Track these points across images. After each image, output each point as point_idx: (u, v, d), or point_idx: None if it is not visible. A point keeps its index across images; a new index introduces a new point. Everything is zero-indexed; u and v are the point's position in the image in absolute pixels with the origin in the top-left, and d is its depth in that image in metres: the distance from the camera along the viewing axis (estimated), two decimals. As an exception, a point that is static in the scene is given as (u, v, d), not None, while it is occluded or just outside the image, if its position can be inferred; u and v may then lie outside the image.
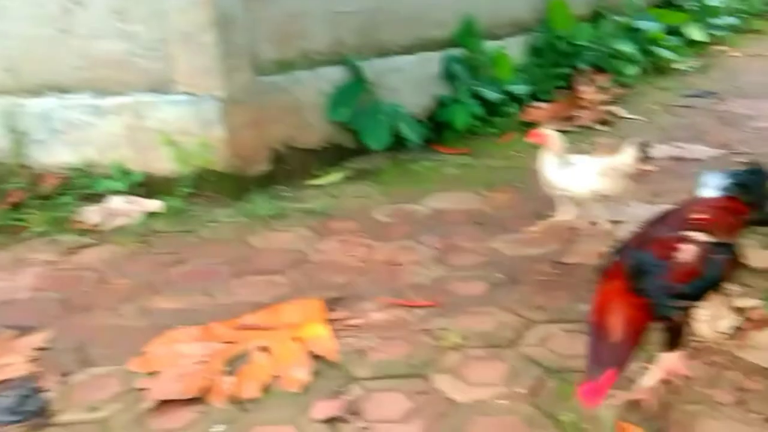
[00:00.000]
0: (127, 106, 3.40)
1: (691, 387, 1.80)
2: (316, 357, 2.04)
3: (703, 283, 1.64)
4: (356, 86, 3.88)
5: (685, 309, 1.67)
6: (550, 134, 2.74)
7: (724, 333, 2.02)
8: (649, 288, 1.56)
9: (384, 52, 4.15)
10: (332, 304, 2.36)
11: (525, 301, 2.32)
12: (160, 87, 3.38)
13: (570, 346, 2.01)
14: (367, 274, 2.62)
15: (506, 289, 2.43)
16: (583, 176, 2.68)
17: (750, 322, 2.05)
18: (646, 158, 2.61)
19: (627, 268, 1.59)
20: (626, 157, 2.62)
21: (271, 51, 3.55)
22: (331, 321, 2.24)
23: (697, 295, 1.66)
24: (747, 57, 7.44)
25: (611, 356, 1.52)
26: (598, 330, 1.56)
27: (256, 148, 3.50)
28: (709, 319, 2.07)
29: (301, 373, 1.96)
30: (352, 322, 2.25)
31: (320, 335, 2.15)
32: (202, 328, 2.22)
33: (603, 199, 2.74)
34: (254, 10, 3.42)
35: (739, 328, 2.04)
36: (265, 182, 3.53)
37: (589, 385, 1.50)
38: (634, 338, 1.56)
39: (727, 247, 1.68)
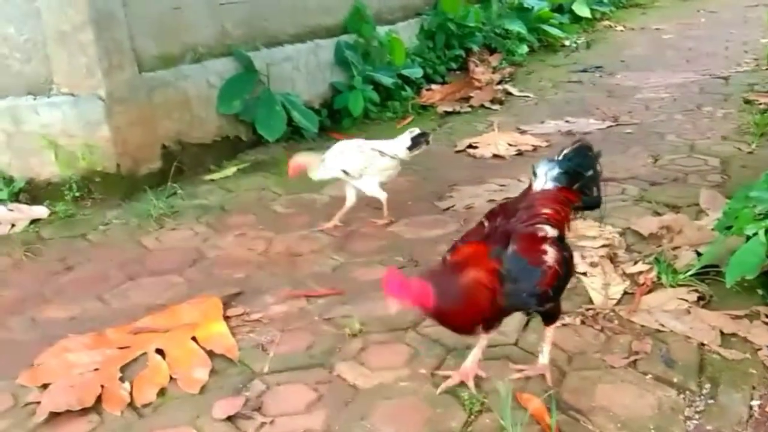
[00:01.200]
0: (4, 110, 3.21)
1: (585, 354, 1.87)
2: (216, 355, 1.99)
3: (563, 281, 1.67)
4: (246, 77, 3.81)
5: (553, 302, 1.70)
6: (302, 162, 2.82)
7: (615, 299, 2.10)
8: (520, 294, 1.59)
9: (274, 42, 4.10)
10: (231, 300, 2.32)
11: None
12: (39, 89, 3.22)
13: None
14: (267, 267, 2.58)
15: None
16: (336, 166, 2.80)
17: (639, 287, 2.14)
18: (419, 146, 2.86)
19: (497, 269, 1.57)
20: (400, 143, 2.86)
21: (153, 46, 3.43)
22: (230, 318, 2.20)
23: (560, 292, 1.69)
24: (631, 31, 7.80)
25: (446, 295, 1.54)
26: (455, 271, 1.59)
27: (145, 146, 3.39)
28: (601, 286, 2.16)
29: (199, 374, 1.92)
30: (252, 317, 2.21)
31: (219, 333, 2.10)
32: (95, 336, 2.13)
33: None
34: (133, 6, 3.30)
35: (628, 294, 2.13)
36: (157, 180, 3.42)
37: (403, 282, 1.55)
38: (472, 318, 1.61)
39: (564, 241, 1.71)
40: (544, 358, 1.78)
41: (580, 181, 1.76)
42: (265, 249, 2.75)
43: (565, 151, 1.78)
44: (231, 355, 2.00)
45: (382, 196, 2.87)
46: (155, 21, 3.43)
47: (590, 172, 1.78)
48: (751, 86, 4.68)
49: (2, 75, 3.22)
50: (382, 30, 4.77)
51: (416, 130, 2.90)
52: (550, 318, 1.75)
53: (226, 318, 2.19)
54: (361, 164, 2.80)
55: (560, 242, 1.68)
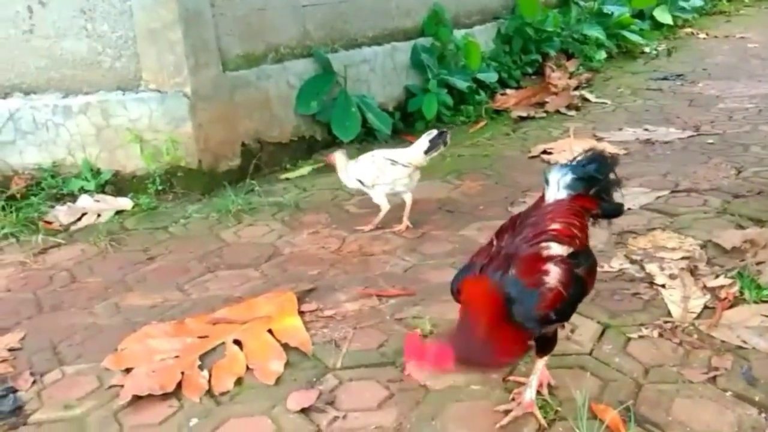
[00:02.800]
0: (95, 105, 3.37)
1: (663, 367, 1.83)
2: (290, 349, 2.04)
3: (570, 302, 1.56)
4: (324, 79, 3.88)
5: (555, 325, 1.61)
6: (334, 155, 2.93)
7: (694, 313, 2.05)
8: (522, 318, 1.49)
9: (352, 44, 4.16)
10: (305, 296, 2.37)
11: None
12: (128, 85, 3.36)
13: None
14: (340, 265, 2.62)
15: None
16: (368, 173, 2.87)
17: (720, 301, 2.08)
18: (437, 148, 2.83)
19: (501, 296, 1.49)
20: (416, 149, 2.85)
21: (238, 46, 3.54)
22: (304, 313, 2.25)
23: (566, 314, 1.60)
24: (714, 39, 7.55)
25: (467, 349, 1.47)
26: (467, 323, 1.52)
27: (226, 143, 3.49)
28: (680, 299, 2.11)
29: (275, 365, 1.96)
30: (325, 313, 2.25)
31: (293, 327, 2.15)
32: (175, 324, 2.21)
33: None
34: (220, 6, 3.41)
35: (709, 308, 2.07)
36: (236, 177, 3.52)
37: (422, 346, 1.49)
38: (504, 356, 1.55)
39: (585, 254, 1.61)
40: (530, 394, 1.67)
41: (596, 187, 1.65)
42: (338, 247, 2.79)
43: (578, 157, 1.69)
44: (305, 348, 2.04)
45: (385, 207, 2.92)
46: (240, 21, 3.53)
47: (606, 177, 1.67)
48: None
49: (95, 71, 3.38)
50: (459, 33, 4.78)
51: (434, 132, 2.87)
52: (543, 347, 1.65)
53: (300, 313, 2.24)
54: (373, 174, 2.85)
55: (575, 257, 1.57)
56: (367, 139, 4.09)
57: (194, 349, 2.06)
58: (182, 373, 1.94)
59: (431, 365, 1.50)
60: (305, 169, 3.75)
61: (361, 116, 3.94)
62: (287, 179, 3.64)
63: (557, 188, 1.65)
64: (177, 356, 2.03)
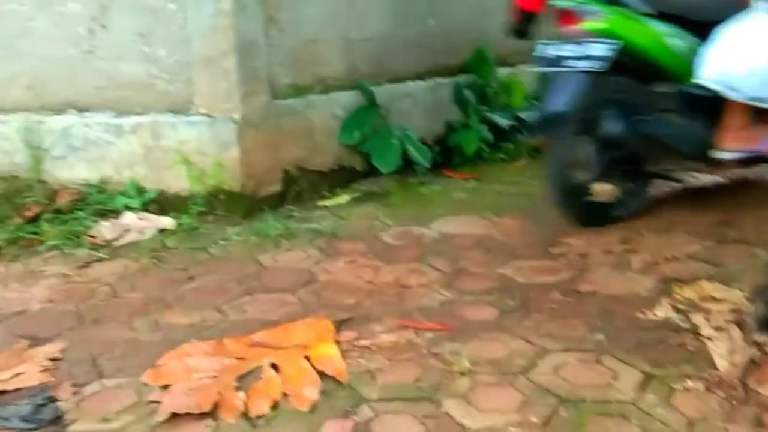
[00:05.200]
0: (146, 125, 3.44)
1: (707, 421, 1.79)
2: (326, 377, 2.05)
3: None
4: (368, 111, 3.93)
5: None
6: None
7: (741, 367, 2.01)
8: None
9: (396, 78, 4.21)
10: (341, 324, 2.37)
11: (537, 328, 2.32)
12: (179, 108, 3.43)
13: (584, 375, 2.01)
14: (375, 295, 2.63)
15: (517, 315, 2.44)
16: None
17: (766, 356, 2.04)
18: None
19: None
20: None
21: (287, 76, 3.61)
22: (340, 341, 2.25)
23: None
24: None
25: None
26: None
27: (269, 169, 3.54)
28: (726, 352, 2.07)
29: (310, 392, 1.97)
30: (361, 342, 2.25)
31: (329, 355, 2.16)
32: (213, 344, 2.24)
33: None
34: (273, 37, 3.49)
35: (756, 363, 2.03)
36: (276, 202, 3.57)
37: None
38: None
39: None
40: None
41: None
42: (374, 277, 2.80)
43: None
44: (341, 377, 2.04)
45: None
46: (291, 52, 3.61)
47: None
48: None
49: (149, 93, 3.46)
50: (502, 72, 4.81)
51: None
52: None
53: (337, 341, 2.25)
54: None
55: None
56: (405, 171, 4.11)
57: (232, 369, 2.08)
58: (219, 393, 1.95)
59: None
60: (343, 198, 3.78)
61: (402, 149, 3.98)
62: (325, 207, 3.67)
63: None
64: (215, 376, 2.05)
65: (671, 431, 1.75)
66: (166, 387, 2.01)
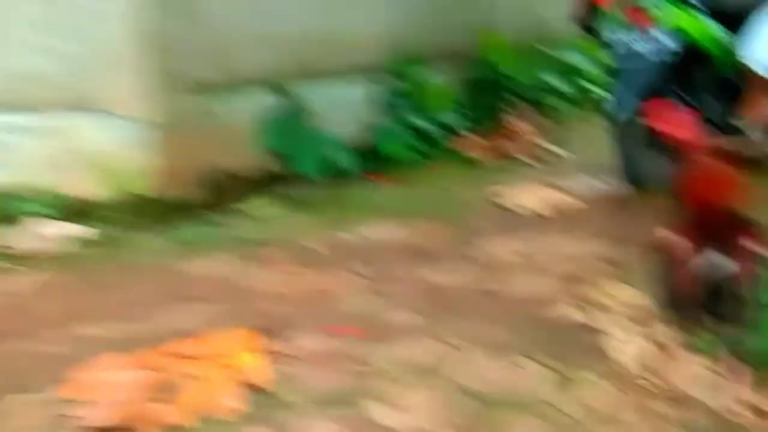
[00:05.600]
0: (53, 126, 3.33)
1: (614, 417, 1.87)
2: (249, 386, 2.03)
3: None
4: (291, 113, 3.91)
5: None
6: None
7: (635, 357, 2.11)
8: None
9: (320, 80, 4.20)
10: (263, 332, 2.35)
11: (455, 330, 2.37)
12: (88, 108, 3.33)
13: (498, 376, 2.06)
14: (298, 302, 2.62)
15: (436, 318, 2.48)
16: None
17: (669, 351, 2.15)
18: None
19: None
20: None
21: (202, 74, 3.54)
22: (263, 349, 2.23)
23: None
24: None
25: None
26: None
27: (188, 173, 3.48)
28: (622, 344, 2.18)
29: (233, 402, 1.95)
30: (284, 350, 2.24)
31: (252, 363, 2.14)
32: (131, 356, 2.17)
33: None
34: (185, 33, 3.41)
35: (661, 358, 2.13)
36: (195, 208, 3.50)
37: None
38: None
39: None
40: None
41: None
42: (297, 284, 2.79)
43: None
44: (265, 386, 2.03)
45: None
46: (210, 49, 3.54)
47: None
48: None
49: (54, 91, 3.33)
50: (424, 74, 4.86)
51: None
52: None
53: (259, 349, 2.23)
54: None
55: None
56: (329, 175, 4.11)
57: (151, 382, 2.03)
58: (139, 406, 1.90)
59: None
60: (266, 203, 3.75)
61: (327, 152, 3.97)
62: (247, 212, 3.63)
63: None
64: (133, 389, 1.99)
65: (572, 421, 1.82)
66: (82, 402, 1.94)
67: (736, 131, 3.68)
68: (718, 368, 2.06)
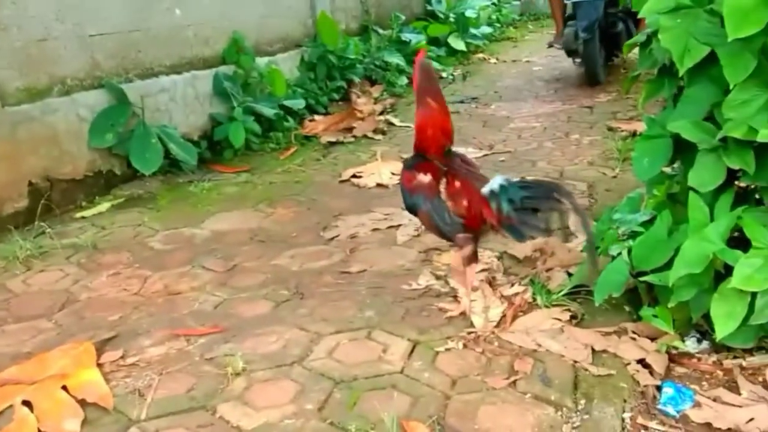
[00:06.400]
0: None
1: (468, 377, 1.90)
2: (88, 405, 1.88)
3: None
4: (120, 110, 3.68)
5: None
6: None
7: (494, 321, 2.16)
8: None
9: (148, 73, 3.99)
10: (105, 345, 2.20)
11: (311, 315, 2.32)
12: None
13: (357, 354, 2.04)
14: (143, 307, 2.47)
15: (292, 305, 2.42)
16: None
17: (514, 308, 2.22)
18: None
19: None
20: None
21: (18, 79, 3.26)
22: (104, 363, 2.09)
23: None
24: (503, 63, 8.16)
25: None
26: None
27: (9, 183, 3.19)
28: (482, 310, 2.22)
29: (70, 425, 1.80)
30: (128, 361, 2.11)
31: (91, 381, 1.99)
32: (-49, 392, 1.96)
33: None
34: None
35: (505, 315, 2.19)
36: (24, 219, 3.23)
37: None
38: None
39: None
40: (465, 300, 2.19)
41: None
42: (141, 288, 2.63)
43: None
44: (105, 403, 1.89)
45: None
46: (19, 53, 3.25)
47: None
48: (614, 114, 5.01)
49: None
50: (262, 61, 4.75)
51: None
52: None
53: (100, 364, 2.08)
54: None
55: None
56: (170, 170, 3.93)
57: (-24, 417, 1.83)
58: (-41, 447, 1.72)
59: None
60: (104, 206, 3.52)
61: (163, 147, 3.78)
62: (83, 218, 3.39)
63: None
64: (-48, 429, 1.79)
65: (437, 393, 1.83)
66: None
67: None
68: (560, 317, 2.15)
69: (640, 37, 2.22)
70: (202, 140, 4.23)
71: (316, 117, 5.05)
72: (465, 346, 2.05)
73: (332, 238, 3.01)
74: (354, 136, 4.81)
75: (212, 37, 4.45)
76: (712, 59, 1.84)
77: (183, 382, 1.97)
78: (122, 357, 2.13)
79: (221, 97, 4.39)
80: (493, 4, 9.96)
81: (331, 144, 4.66)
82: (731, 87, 1.78)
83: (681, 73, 1.90)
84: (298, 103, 4.87)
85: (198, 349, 2.16)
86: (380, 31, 6.57)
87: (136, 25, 3.91)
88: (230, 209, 3.46)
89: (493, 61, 8.29)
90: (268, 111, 4.52)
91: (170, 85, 4.08)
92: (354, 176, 3.88)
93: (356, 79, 5.69)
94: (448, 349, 2.03)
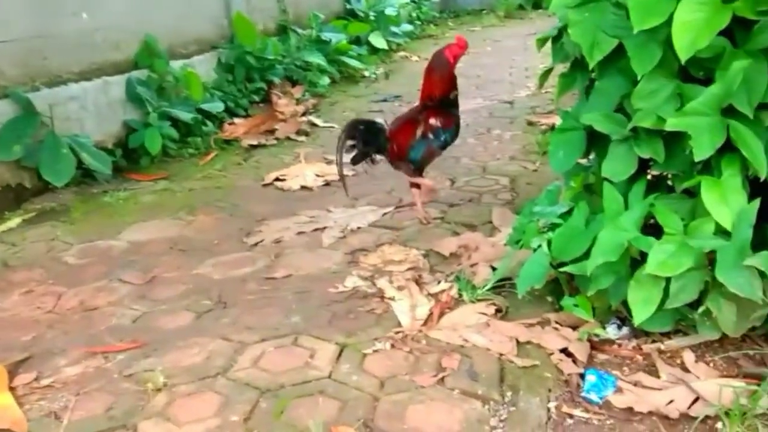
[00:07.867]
0: None
1: (396, 377, 1.89)
2: (1, 431, 1.78)
3: None
4: (27, 120, 3.51)
5: None
6: None
7: (422, 319, 2.16)
8: None
9: (56, 81, 3.82)
10: (17, 367, 2.09)
11: (234, 324, 2.27)
12: None
13: (283, 361, 2.00)
14: (58, 325, 2.36)
15: (214, 314, 2.36)
16: None
17: (440, 305, 2.22)
18: None
19: None
20: None
21: None
22: (16, 387, 1.98)
23: None
24: (425, 61, 8.19)
25: None
26: None
27: None
28: (408, 308, 2.21)
29: (-21, 457, 1.69)
30: (42, 382, 2.00)
31: (3, 405, 1.88)
32: None
33: None
34: None
35: (432, 313, 2.19)
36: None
37: None
38: None
39: None
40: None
41: None
42: (55, 305, 2.52)
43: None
44: (18, 428, 1.79)
45: None
46: None
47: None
48: (533, 109, 5.11)
49: None
50: (176, 64, 4.62)
51: None
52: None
53: (12, 387, 1.97)
54: None
55: None
56: (84, 181, 3.78)
57: None
58: None
59: None
60: (14, 221, 3.35)
61: (75, 157, 3.63)
62: (-7, 234, 3.22)
63: None
64: None
65: (365, 395, 1.81)
66: None
67: None
68: (485, 311, 2.17)
69: (551, 32, 2.26)
70: (116, 148, 4.08)
71: (236, 120, 4.95)
72: (393, 346, 2.03)
73: (256, 244, 2.95)
74: (276, 139, 4.74)
75: (123, 40, 4.30)
76: (620, 52, 1.89)
77: (101, 402, 1.89)
78: (36, 379, 2.03)
79: (135, 102, 4.24)
80: (413, 1, 10.00)
81: (253, 147, 4.58)
82: (639, 78, 1.83)
83: (591, 66, 1.94)
84: (217, 107, 4.76)
85: (116, 366, 2.07)
86: (299, 30, 6.50)
87: (40, 31, 3.73)
88: (148, 219, 3.35)
89: (415, 59, 8.32)
90: (185, 115, 4.40)
91: (80, 92, 3.91)
92: (277, 179, 3.82)
93: (276, 80, 5.60)
94: (376, 351, 2.01)
